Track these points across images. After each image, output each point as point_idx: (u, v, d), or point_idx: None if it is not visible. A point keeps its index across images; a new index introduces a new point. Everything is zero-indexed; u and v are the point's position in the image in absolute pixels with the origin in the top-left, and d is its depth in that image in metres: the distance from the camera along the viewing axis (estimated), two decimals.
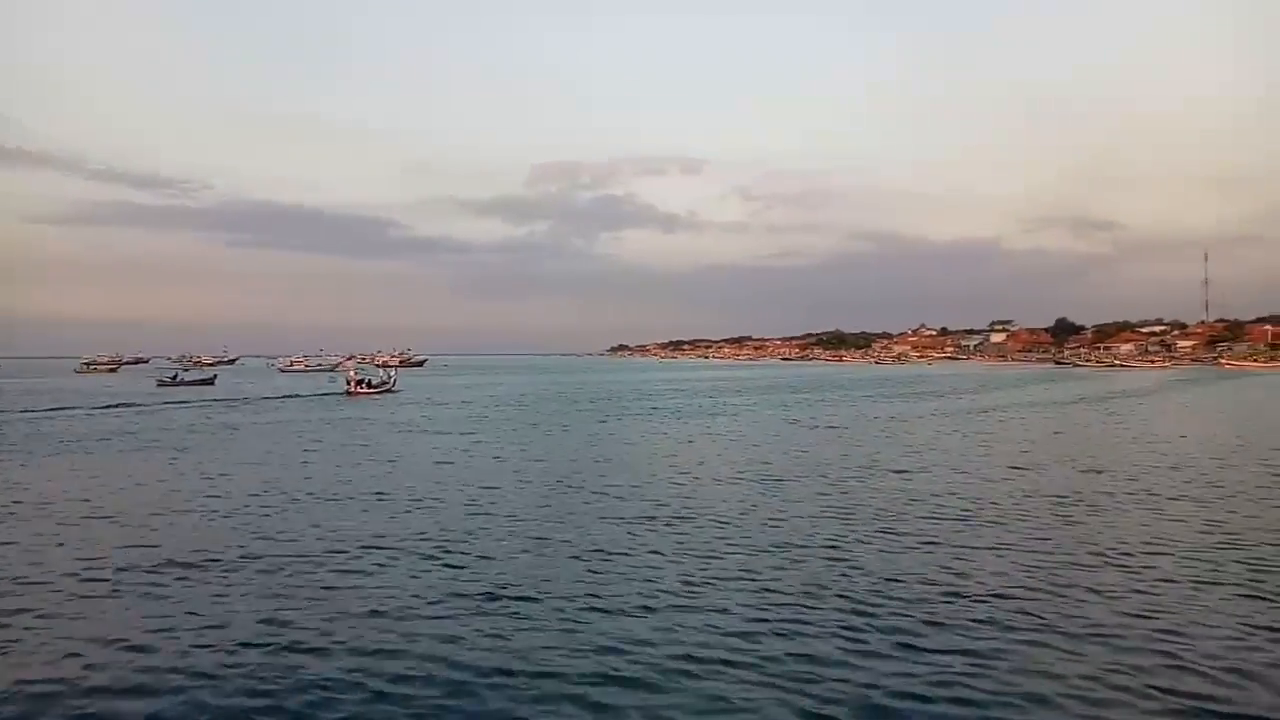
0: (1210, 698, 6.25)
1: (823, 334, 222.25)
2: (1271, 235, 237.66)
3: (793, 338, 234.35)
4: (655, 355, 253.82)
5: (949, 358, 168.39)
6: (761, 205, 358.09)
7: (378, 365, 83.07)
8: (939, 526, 12.34)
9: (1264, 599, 8.67)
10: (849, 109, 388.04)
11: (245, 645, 7.38)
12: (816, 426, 29.53)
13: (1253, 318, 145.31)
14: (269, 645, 7.38)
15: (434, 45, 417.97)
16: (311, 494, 15.46)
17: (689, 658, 7.07)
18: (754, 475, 17.50)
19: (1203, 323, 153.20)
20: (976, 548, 11.02)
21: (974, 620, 8.00)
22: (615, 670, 6.83)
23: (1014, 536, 11.65)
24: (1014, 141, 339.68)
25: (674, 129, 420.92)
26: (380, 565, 10.21)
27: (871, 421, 31.51)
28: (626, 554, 10.76)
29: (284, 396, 48.34)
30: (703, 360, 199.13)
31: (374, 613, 8.28)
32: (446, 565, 10.20)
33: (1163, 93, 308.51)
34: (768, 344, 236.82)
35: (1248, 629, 7.73)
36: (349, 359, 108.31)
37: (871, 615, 8.15)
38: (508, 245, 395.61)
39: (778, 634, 7.67)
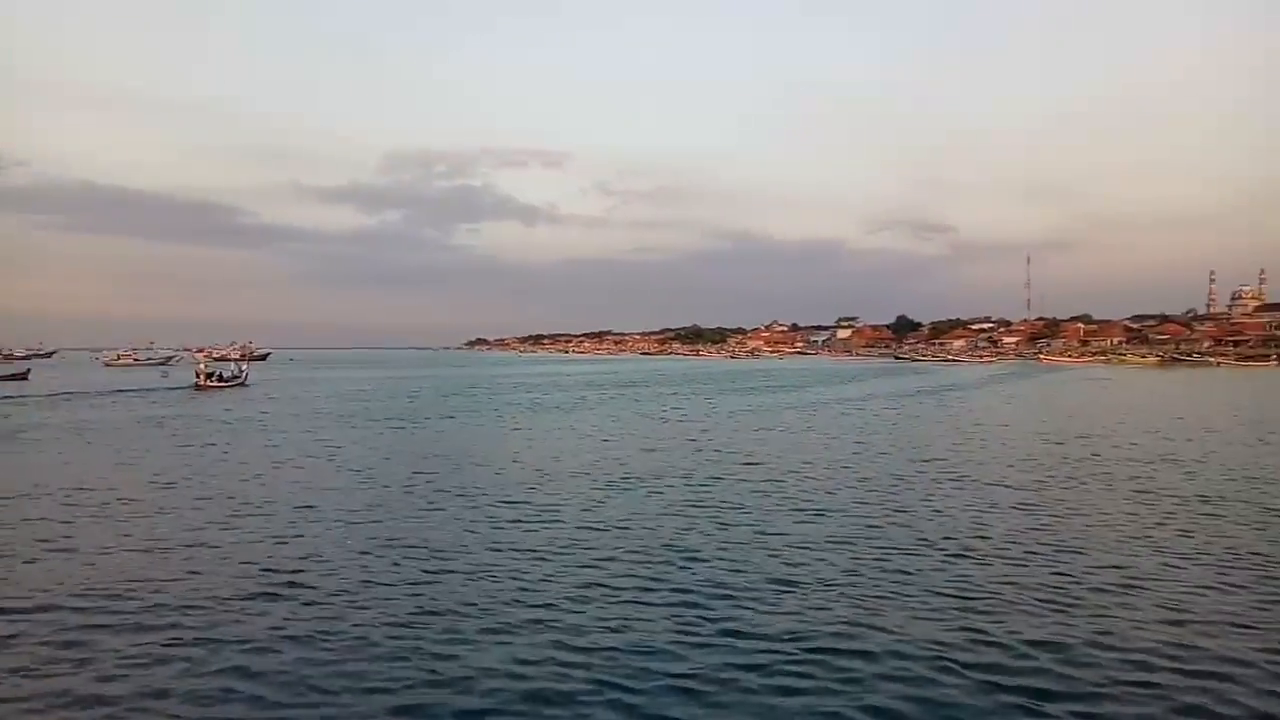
0: (1004, 669, 6.66)
1: (681, 329, 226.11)
2: (1084, 240, 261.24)
3: (652, 333, 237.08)
4: (514, 350, 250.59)
5: (799, 352, 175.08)
6: (621, 200, 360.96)
7: (216, 359, 77.58)
8: (782, 518, 12.64)
9: (1067, 576, 9.34)
10: (706, 108, 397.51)
11: None
12: (669, 420, 29.71)
13: (1068, 316, 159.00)
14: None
15: (282, 20, 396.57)
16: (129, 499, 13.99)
17: (519, 660, 6.89)
18: (606, 471, 17.39)
19: (1025, 321, 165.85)
20: (815, 538, 11.35)
21: (806, 608, 8.20)
22: (440, 675, 6.56)
23: (853, 526, 12.08)
24: (859, 146, 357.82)
25: (536, 121, 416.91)
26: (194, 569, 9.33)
27: (725, 415, 32.05)
28: (466, 552, 10.39)
29: (115, 392, 44.20)
30: (563, 355, 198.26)
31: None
32: (268, 570, 9.44)
33: (987, 106, 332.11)
34: (627, 339, 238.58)
35: (1049, 606, 8.28)
36: (194, 351, 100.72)
37: (705, 608, 8.19)
38: (359, 235, 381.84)
39: (610, 629, 7.59)
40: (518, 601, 8.34)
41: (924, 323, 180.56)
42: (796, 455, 19.71)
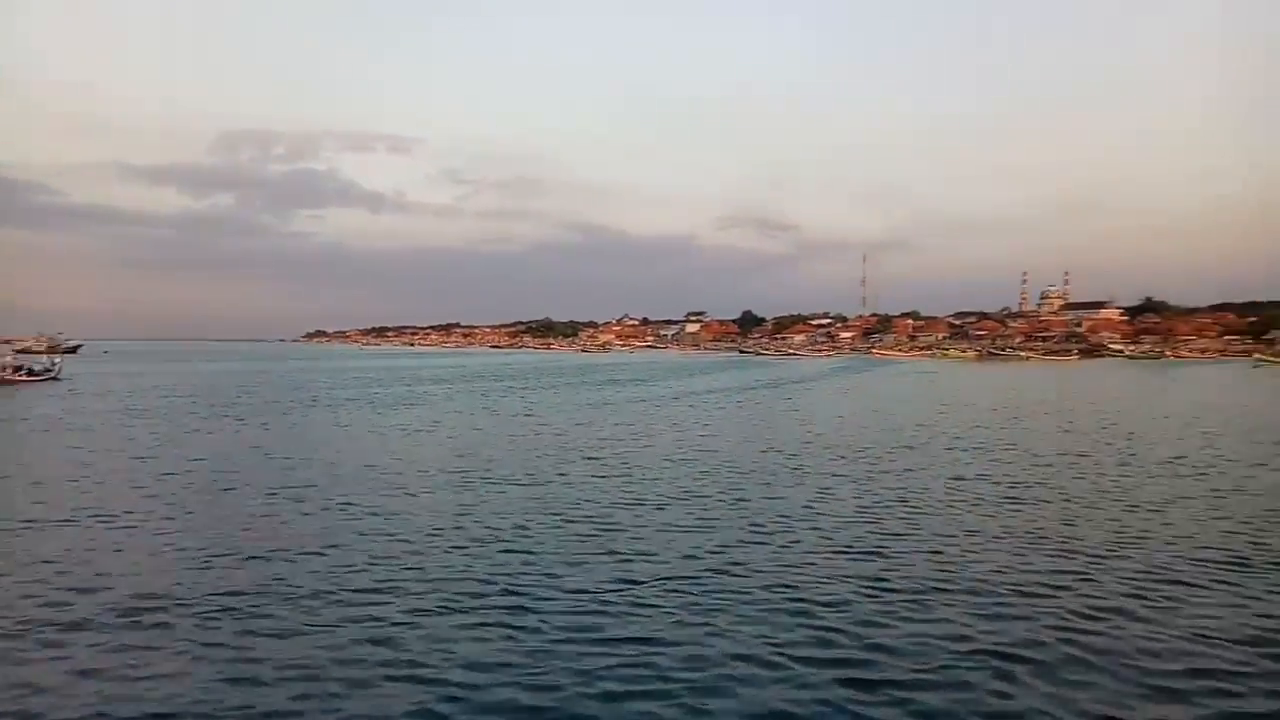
0: (838, 661, 6.78)
1: (532, 322, 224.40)
2: (915, 242, 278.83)
3: (503, 326, 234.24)
4: (357, 342, 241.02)
5: (650, 346, 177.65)
6: (472, 189, 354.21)
7: (17, 351, 69.75)
8: (625, 513, 12.51)
9: (885, 558, 9.79)
10: (562, 100, 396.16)
11: None
12: (517, 415, 29.18)
13: (898, 313, 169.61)
14: None
15: None
16: None
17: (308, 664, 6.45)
18: (444, 469, 16.80)
19: (860, 317, 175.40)
20: (657, 532, 11.26)
21: (643, 606, 8.12)
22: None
23: (690, 518, 12.10)
24: (711, 145, 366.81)
25: (384, 105, 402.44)
26: None
27: (573, 409, 31.82)
28: (291, 560, 9.66)
29: None
30: (408, 348, 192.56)
31: None
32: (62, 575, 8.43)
33: (830, 111, 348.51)
34: (477, 331, 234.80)
35: (869, 588, 8.60)
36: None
37: (539, 612, 7.97)
38: (186, 219, 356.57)
39: (438, 639, 7.24)
40: (323, 594, 7.84)
41: (768, 318, 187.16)
42: (642, 448, 19.80)
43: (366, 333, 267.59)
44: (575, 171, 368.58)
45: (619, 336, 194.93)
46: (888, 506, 12.98)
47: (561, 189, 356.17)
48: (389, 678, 6.40)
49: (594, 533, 11.15)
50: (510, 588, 8.64)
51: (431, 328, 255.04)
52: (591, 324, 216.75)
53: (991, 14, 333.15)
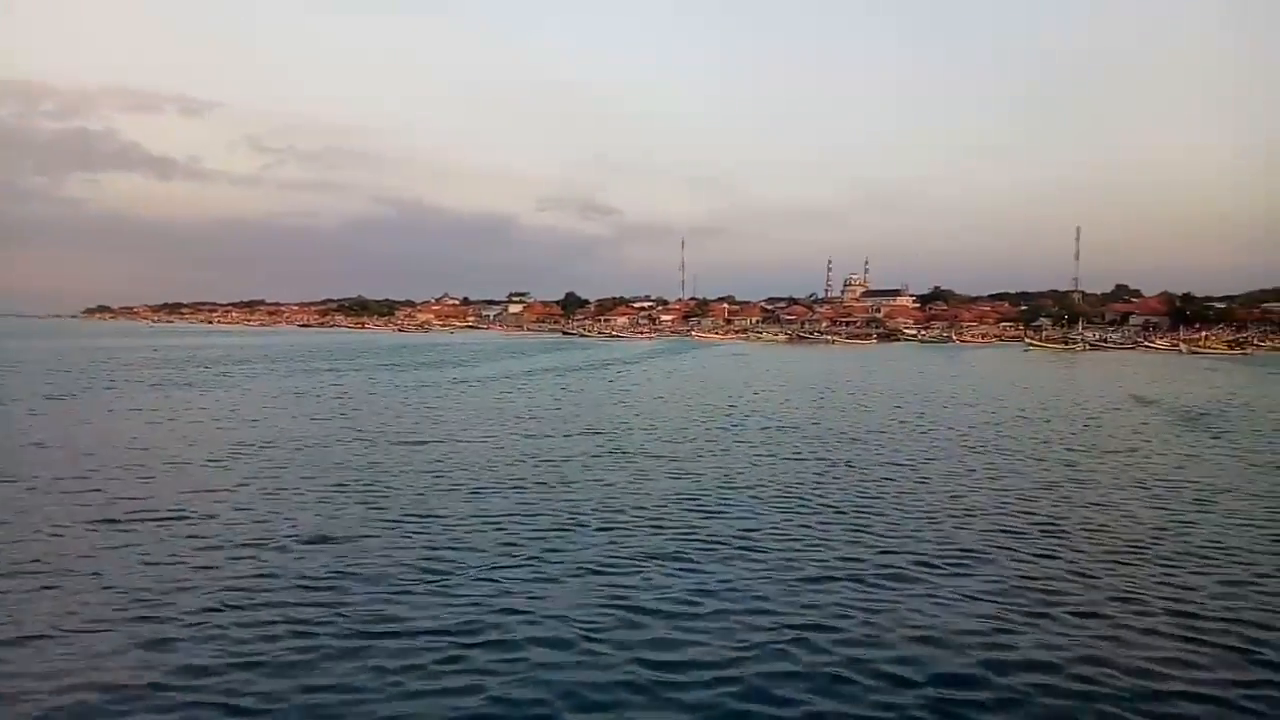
0: (643, 643, 6.70)
1: (344, 300, 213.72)
2: (731, 228, 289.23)
3: (312, 303, 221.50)
4: (145, 320, 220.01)
5: (471, 326, 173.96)
6: (276, 159, 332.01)
7: None
8: (441, 499, 12.08)
9: (698, 539, 9.88)
10: (378, 70, 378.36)
11: None
12: (322, 399, 27.46)
13: (716, 297, 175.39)
14: None
15: None
16: None
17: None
18: (238, 458, 15.57)
19: (680, 300, 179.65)
20: (474, 520, 10.79)
21: (452, 597, 7.77)
22: None
23: (507, 504, 11.77)
24: (534, 124, 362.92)
25: (175, 62, 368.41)
26: None
27: (387, 392, 30.36)
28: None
29: None
30: (205, 325, 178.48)
31: None
32: None
33: (651, 95, 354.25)
34: (283, 309, 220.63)
35: (680, 570, 8.65)
36: None
37: (336, 605, 7.46)
38: None
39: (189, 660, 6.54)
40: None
41: (591, 300, 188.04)
42: (460, 432, 19.13)
43: (158, 309, 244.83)
44: (392, 145, 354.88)
45: (438, 316, 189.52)
46: (704, 488, 13.16)
47: (377, 162, 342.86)
48: (156, 685, 5.67)
49: (402, 520, 10.57)
50: (307, 582, 7.98)
51: (232, 305, 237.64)
52: (409, 303, 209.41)
53: (813, 10, 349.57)
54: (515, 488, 12.81)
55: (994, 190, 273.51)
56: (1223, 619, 7.39)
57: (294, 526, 10.16)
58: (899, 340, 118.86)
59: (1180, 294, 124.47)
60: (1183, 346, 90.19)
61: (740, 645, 6.68)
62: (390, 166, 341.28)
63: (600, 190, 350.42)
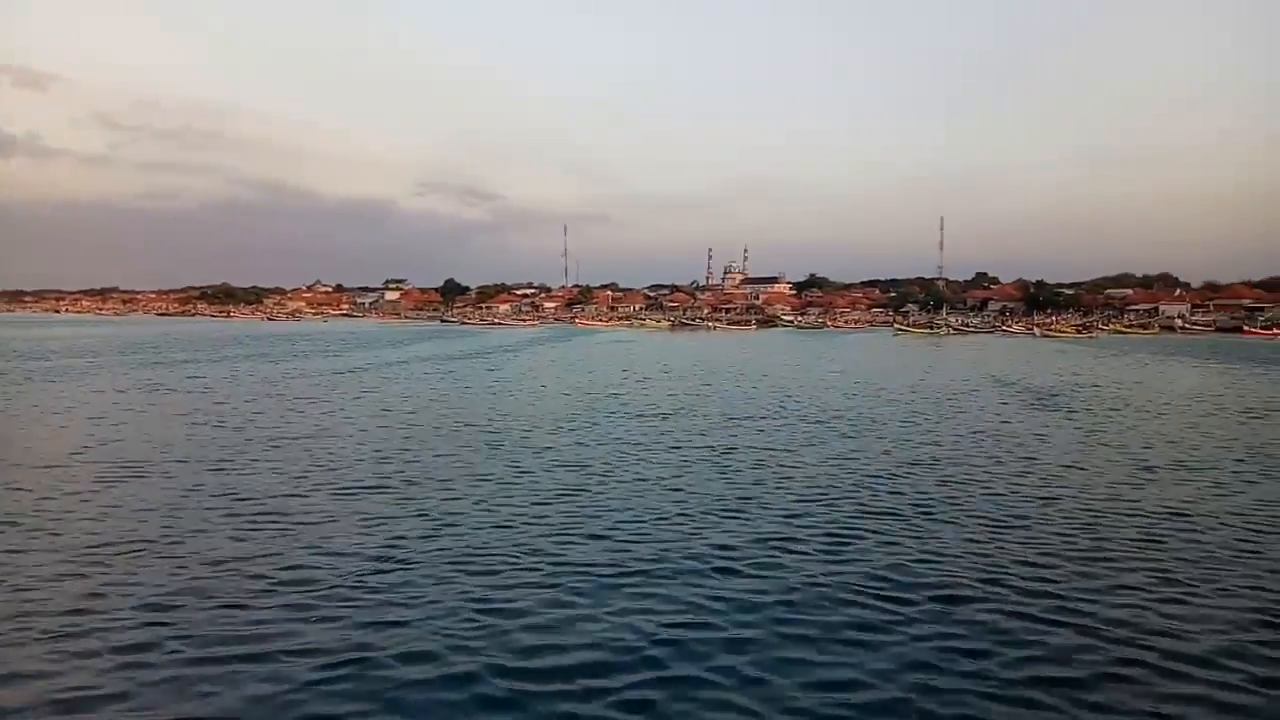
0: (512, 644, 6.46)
1: (207, 288, 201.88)
2: (615, 215, 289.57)
3: (172, 291, 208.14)
4: None
5: (345, 315, 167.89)
6: (129, 137, 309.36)
7: None
8: (298, 501, 11.43)
9: (563, 534, 9.77)
10: (244, 44, 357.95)
11: None
12: (177, 392, 25.79)
13: (599, 284, 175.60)
14: None
15: None
16: None
17: None
18: (74, 461, 14.43)
19: (564, 287, 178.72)
20: (343, 518, 10.25)
21: (300, 607, 7.40)
22: None
23: (375, 505, 11.28)
24: (411, 106, 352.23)
25: (7, 29, 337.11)
26: None
27: (255, 384, 28.78)
28: None
29: None
30: (52, 315, 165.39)
31: None
32: None
33: (533, 78, 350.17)
34: (140, 297, 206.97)
35: (551, 566, 8.49)
36: None
37: (173, 625, 6.96)
38: None
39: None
40: None
41: (472, 287, 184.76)
42: (327, 427, 18.32)
43: None
44: (258, 125, 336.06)
45: (310, 304, 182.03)
46: (585, 481, 13.05)
47: (243, 142, 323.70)
48: None
49: (256, 527, 9.95)
50: (141, 600, 7.36)
51: (82, 293, 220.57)
52: (279, 290, 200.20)
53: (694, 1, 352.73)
54: (382, 487, 12.26)
55: (863, 182, 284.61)
56: (1042, 589, 7.82)
57: (131, 538, 9.39)
58: (777, 326, 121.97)
59: (1034, 281, 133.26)
60: (1036, 330, 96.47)
61: (616, 650, 6.57)
62: (257, 147, 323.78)
63: (482, 175, 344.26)
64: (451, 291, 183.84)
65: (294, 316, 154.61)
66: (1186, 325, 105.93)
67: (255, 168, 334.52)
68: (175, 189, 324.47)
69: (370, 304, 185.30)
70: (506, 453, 15.25)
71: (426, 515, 10.53)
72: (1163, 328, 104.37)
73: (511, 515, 10.56)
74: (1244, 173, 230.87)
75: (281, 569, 8.27)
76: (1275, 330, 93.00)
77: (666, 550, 9.08)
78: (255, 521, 10.09)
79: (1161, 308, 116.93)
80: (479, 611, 7.20)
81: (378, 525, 10.01)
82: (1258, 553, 9.19)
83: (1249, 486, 12.81)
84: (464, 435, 17.23)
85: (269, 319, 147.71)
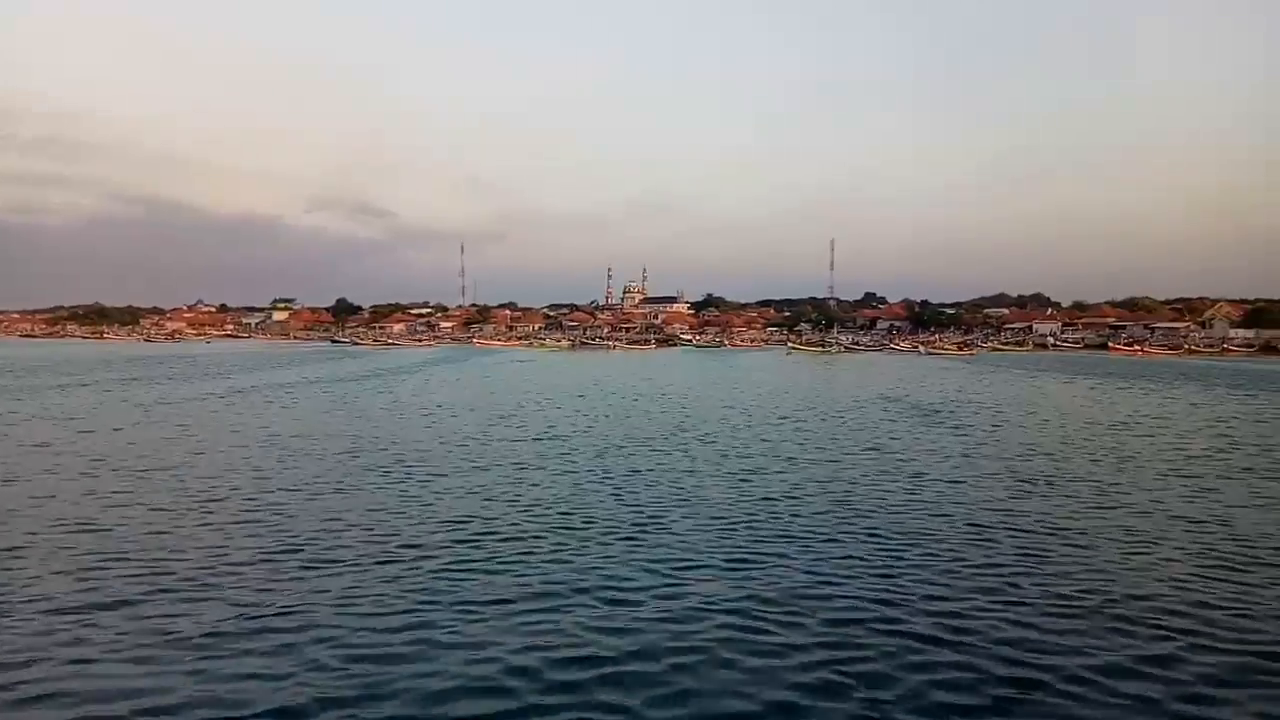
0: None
1: (78, 308, 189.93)
2: (513, 234, 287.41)
3: (39, 311, 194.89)
4: None
5: (230, 335, 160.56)
6: None
7: None
8: (170, 538, 10.57)
9: (458, 572, 9.29)
10: (120, 52, 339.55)
11: None
12: (41, 419, 23.82)
13: (498, 303, 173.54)
14: None
15: None
16: None
17: None
18: None
19: (461, 306, 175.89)
20: (206, 563, 9.54)
21: (159, 673, 6.73)
22: None
23: (251, 539, 10.53)
24: (299, 122, 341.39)
25: None
26: None
27: (126, 410, 26.89)
28: None
29: None
30: None
31: None
32: None
33: (431, 97, 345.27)
34: (1, 318, 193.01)
35: (431, 599, 8.02)
36: None
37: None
38: None
39: None
40: None
41: (365, 306, 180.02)
42: (202, 455, 17.22)
43: None
44: (135, 135, 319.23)
45: (192, 325, 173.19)
46: (483, 508, 12.61)
47: (116, 155, 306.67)
48: None
49: (117, 567, 9.15)
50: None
51: None
52: (157, 311, 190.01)
53: (592, 12, 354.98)
54: (258, 521, 11.51)
55: (761, 202, 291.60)
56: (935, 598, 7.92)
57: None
58: (676, 345, 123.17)
59: (919, 301, 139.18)
60: (921, 348, 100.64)
61: (486, 685, 6.25)
62: (133, 160, 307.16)
63: (376, 192, 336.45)
64: (343, 311, 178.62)
65: (174, 337, 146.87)
66: (1058, 343, 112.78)
67: (132, 182, 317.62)
68: (44, 203, 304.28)
69: (257, 324, 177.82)
70: (395, 480, 14.58)
71: (303, 551, 9.90)
72: (1036, 345, 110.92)
73: (399, 549, 10.03)
74: (1113, 194, 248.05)
75: (135, 619, 7.56)
76: (1136, 347, 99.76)
77: (558, 578, 8.78)
78: (107, 565, 9.24)
79: (1035, 326, 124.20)
80: (349, 660, 6.71)
81: (249, 565, 9.32)
82: (1125, 563, 9.57)
83: (1123, 498, 13.44)
84: (350, 462, 16.47)
85: (146, 340, 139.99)
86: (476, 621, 7.51)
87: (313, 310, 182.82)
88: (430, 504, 12.58)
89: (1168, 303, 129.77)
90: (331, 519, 11.54)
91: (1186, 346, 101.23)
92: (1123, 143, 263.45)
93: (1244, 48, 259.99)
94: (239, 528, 10.98)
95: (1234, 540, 10.69)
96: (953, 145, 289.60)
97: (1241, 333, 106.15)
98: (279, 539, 10.41)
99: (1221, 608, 8.02)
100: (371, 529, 10.97)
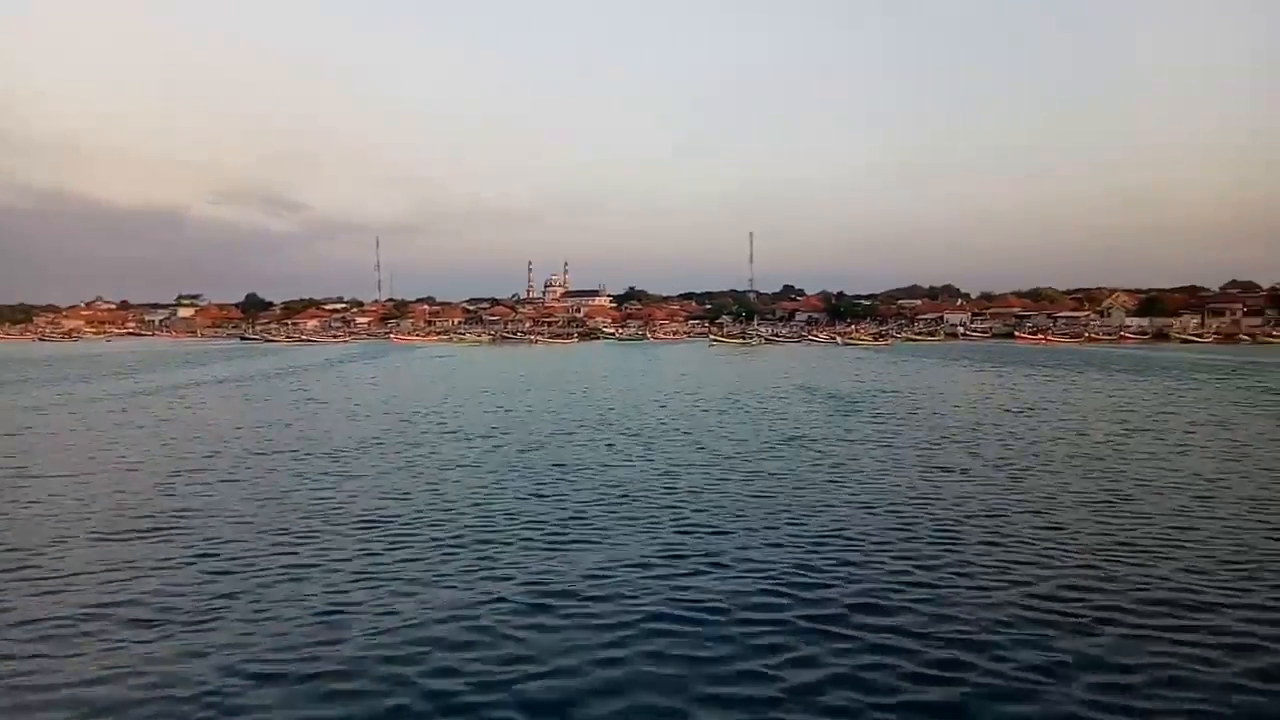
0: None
1: None
2: (431, 228, 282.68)
3: None
4: None
5: (132, 333, 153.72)
6: None
7: None
8: (57, 551, 9.89)
9: (379, 580, 9.03)
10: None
11: None
12: None
13: (415, 298, 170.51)
14: None
15: None
16: None
17: None
18: None
19: (377, 302, 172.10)
20: (87, 579, 8.96)
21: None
22: None
23: (140, 551, 9.94)
24: (207, 109, 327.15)
25: None
26: None
27: (11, 413, 25.31)
28: None
29: None
30: None
31: None
32: None
33: (345, 93, 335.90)
34: None
35: (352, 609, 7.68)
36: None
37: None
38: None
39: None
40: None
41: (276, 302, 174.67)
42: (93, 459, 16.30)
43: None
44: (20, 121, 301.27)
45: (90, 323, 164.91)
46: (394, 509, 12.24)
47: (5, 144, 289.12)
48: None
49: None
50: None
51: None
52: (52, 308, 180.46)
53: (502, 12, 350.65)
54: (156, 529, 10.90)
55: (679, 196, 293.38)
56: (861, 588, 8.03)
57: None
58: (599, 339, 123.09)
59: (835, 293, 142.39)
60: (839, 339, 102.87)
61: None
62: (19, 147, 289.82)
63: (287, 183, 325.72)
64: (254, 307, 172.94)
65: (71, 336, 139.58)
66: (968, 333, 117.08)
67: (18, 169, 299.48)
68: None
69: (161, 321, 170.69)
70: (309, 482, 14.04)
71: (213, 557, 9.43)
72: (948, 335, 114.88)
73: (312, 557, 9.60)
74: (1019, 189, 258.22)
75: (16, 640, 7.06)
76: (1040, 335, 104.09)
77: (477, 586, 8.54)
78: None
79: (946, 316, 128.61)
80: (253, 677, 6.39)
81: (145, 575, 8.80)
82: (1034, 545, 9.89)
83: (1034, 481, 13.91)
84: (258, 464, 15.81)
85: (41, 339, 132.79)
86: (390, 630, 7.24)
87: (221, 307, 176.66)
88: (343, 505, 12.11)
89: (1069, 293, 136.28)
90: (239, 523, 11.03)
91: (1087, 334, 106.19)
92: (1026, 143, 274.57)
93: (1125, 46, 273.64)
94: (134, 538, 10.38)
95: (1134, 518, 11.16)
96: (869, 140, 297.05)
97: (1136, 321, 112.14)
98: (181, 549, 9.87)
99: (1127, 580, 8.36)
100: (284, 531, 10.52)
